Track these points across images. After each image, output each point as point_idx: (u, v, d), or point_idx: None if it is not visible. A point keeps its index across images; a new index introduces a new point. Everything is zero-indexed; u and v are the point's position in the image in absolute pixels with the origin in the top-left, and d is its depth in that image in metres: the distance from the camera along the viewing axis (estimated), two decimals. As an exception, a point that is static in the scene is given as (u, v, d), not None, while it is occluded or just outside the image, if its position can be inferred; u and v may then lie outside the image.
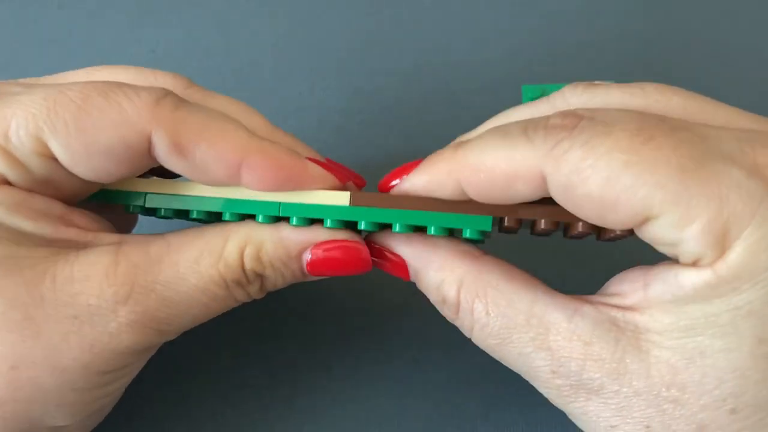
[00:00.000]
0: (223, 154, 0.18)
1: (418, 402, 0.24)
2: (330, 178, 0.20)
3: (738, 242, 0.15)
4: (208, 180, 0.19)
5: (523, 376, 0.19)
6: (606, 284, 0.19)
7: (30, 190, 0.18)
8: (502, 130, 0.18)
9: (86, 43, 0.34)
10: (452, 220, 0.19)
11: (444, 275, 0.19)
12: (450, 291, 0.19)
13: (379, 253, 0.20)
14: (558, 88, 0.31)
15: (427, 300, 0.27)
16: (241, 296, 0.20)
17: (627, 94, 0.18)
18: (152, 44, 0.34)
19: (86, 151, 0.18)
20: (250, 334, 0.26)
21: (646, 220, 0.16)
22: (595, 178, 0.16)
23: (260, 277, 0.20)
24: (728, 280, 0.15)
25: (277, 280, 0.20)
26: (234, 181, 0.19)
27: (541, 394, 0.24)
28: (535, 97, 0.31)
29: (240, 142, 0.18)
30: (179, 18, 0.35)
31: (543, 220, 0.19)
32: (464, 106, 0.32)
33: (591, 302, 0.18)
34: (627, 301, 0.17)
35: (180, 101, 0.18)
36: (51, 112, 0.17)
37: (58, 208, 0.19)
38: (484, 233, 0.19)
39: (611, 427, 0.17)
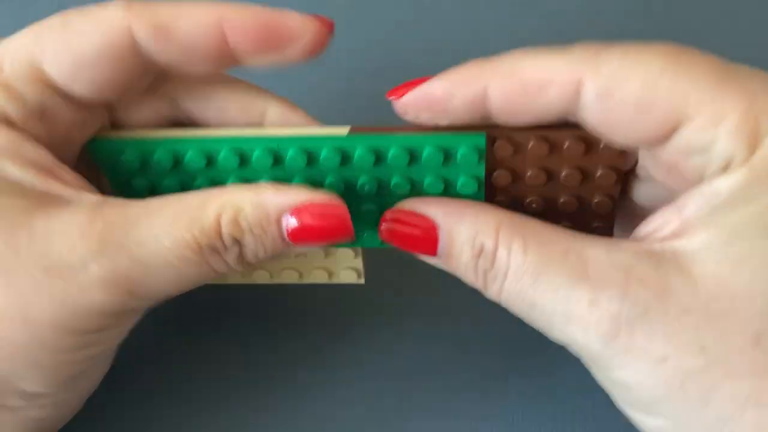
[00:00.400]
0: (204, 20, 0.19)
1: (417, 400, 0.24)
2: (312, 23, 0.19)
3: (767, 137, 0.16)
4: (199, 60, 0.19)
5: (553, 328, 0.18)
6: (634, 232, 0.19)
7: (25, 129, 0.19)
8: (535, 49, 0.18)
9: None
10: (447, 139, 0.19)
11: (479, 226, 0.18)
12: (488, 238, 0.18)
13: (404, 226, 0.20)
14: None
15: (427, 298, 0.27)
16: (218, 264, 0.19)
17: (655, 57, 0.19)
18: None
19: (76, 62, 0.18)
20: (249, 332, 0.26)
21: (677, 126, 0.17)
22: (633, 81, 0.17)
23: (238, 243, 0.19)
24: (762, 175, 0.16)
25: (257, 249, 0.19)
26: (223, 49, 0.19)
27: (542, 396, 0.24)
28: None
29: (214, 7, 0.19)
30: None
31: (530, 172, 0.19)
32: (464, 106, 0.32)
33: (628, 240, 0.18)
34: (663, 233, 0.17)
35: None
36: (38, 36, 0.19)
37: (47, 159, 0.19)
38: (479, 153, 0.19)
39: (661, 359, 0.16)
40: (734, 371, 0.15)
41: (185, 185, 0.21)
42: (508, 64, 0.18)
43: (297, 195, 0.19)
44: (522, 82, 0.17)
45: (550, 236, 0.18)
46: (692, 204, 0.17)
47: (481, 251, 0.18)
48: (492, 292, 0.19)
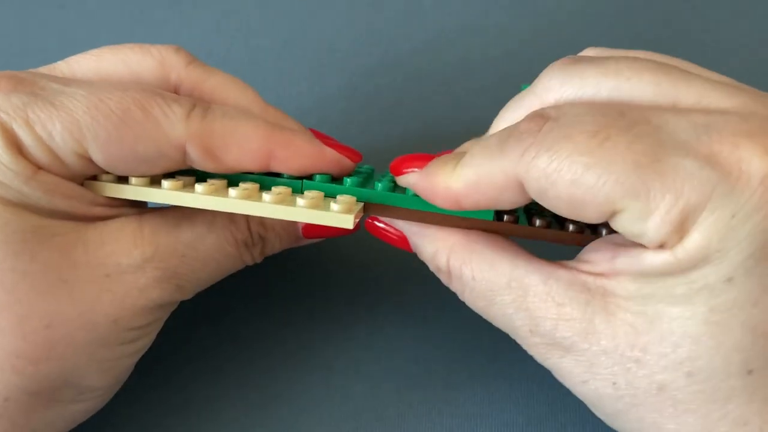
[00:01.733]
0: (252, 153, 0.21)
1: (418, 399, 0.24)
2: (344, 161, 0.22)
3: (694, 228, 0.16)
4: (239, 172, 0.21)
5: (509, 334, 0.20)
6: (581, 252, 0.20)
7: (63, 175, 0.20)
8: (483, 145, 0.19)
9: (86, 43, 0.34)
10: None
11: (437, 246, 0.21)
12: (441, 260, 0.21)
13: (383, 229, 0.23)
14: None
15: (426, 298, 0.27)
16: (246, 256, 0.23)
17: (601, 75, 0.19)
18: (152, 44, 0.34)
19: (124, 158, 0.20)
20: (251, 332, 0.26)
21: (613, 214, 0.17)
22: (562, 181, 0.17)
23: (262, 239, 0.22)
24: (685, 260, 0.17)
25: (275, 244, 0.23)
26: (264, 170, 0.21)
27: (541, 391, 0.24)
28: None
29: (264, 138, 0.21)
30: (179, 18, 0.35)
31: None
32: (464, 106, 0.32)
33: (566, 267, 0.19)
34: (597, 269, 0.19)
35: (205, 110, 0.20)
36: (94, 122, 0.19)
37: (84, 191, 0.20)
38: None
39: (583, 382, 0.19)
40: (640, 404, 0.18)
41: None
42: (465, 177, 0.19)
43: None
44: (482, 194, 0.19)
45: (494, 262, 0.20)
46: (624, 260, 0.18)
47: (439, 269, 0.21)
48: (459, 296, 0.21)
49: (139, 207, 0.22)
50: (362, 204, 0.21)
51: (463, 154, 0.20)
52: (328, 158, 0.22)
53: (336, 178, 0.22)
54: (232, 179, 0.21)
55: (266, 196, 0.20)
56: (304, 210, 0.20)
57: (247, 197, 0.20)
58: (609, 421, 0.19)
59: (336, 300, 0.27)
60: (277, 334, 0.26)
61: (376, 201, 0.21)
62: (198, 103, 0.20)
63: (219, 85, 0.23)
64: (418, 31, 0.35)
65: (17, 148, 0.19)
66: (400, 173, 0.21)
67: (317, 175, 0.22)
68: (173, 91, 0.22)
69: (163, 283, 0.21)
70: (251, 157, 0.20)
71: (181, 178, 0.21)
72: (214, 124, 0.20)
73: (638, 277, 0.18)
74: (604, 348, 0.18)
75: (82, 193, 0.20)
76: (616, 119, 0.17)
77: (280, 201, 0.20)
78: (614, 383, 0.18)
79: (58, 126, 0.19)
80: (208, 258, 0.21)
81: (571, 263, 0.20)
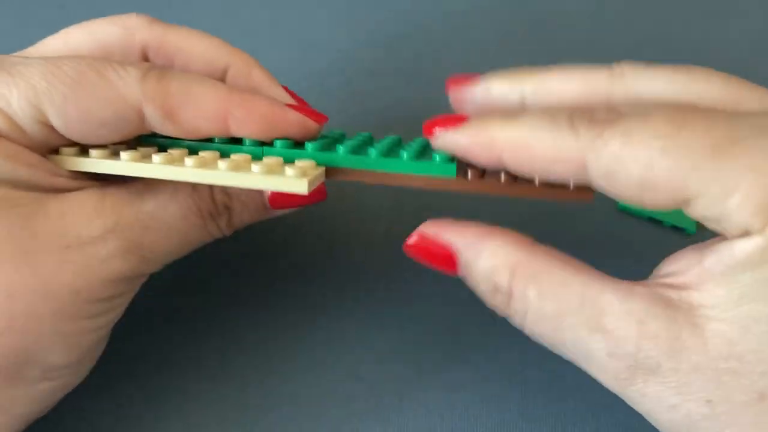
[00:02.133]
0: (210, 113, 0.20)
1: (413, 397, 0.24)
2: (308, 122, 0.22)
3: None
4: (200, 136, 0.21)
5: (578, 364, 0.19)
6: (657, 267, 0.19)
7: (24, 144, 0.20)
8: (551, 115, 0.18)
9: (86, 43, 0.34)
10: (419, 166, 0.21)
11: (496, 262, 0.19)
12: (502, 278, 0.19)
13: (427, 247, 0.20)
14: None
15: (423, 304, 0.27)
16: (212, 228, 0.22)
17: (672, 72, 0.20)
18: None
19: (82, 121, 0.20)
20: (247, 327, 0.26)
21: (686, 201, 0.17)
22: (635, 164, 0.17)
23: (228, 210, 0.22)
24: None
25: (242, 214, 0.23)
26: (224, 133, 0.21)
27: (540, 391, 0.24)
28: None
29: (222, 98, 0.20)
30: (179, 18, 0.35)
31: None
32: (464, 105, 0.32)
33: (643, 284, 0.18)
34: (681, 279, 0.18)
35: (162, 72, 0.20)
36: (50, 85, 0.19)
37: (45, 161, 0.21)
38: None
39: (672, 407, 0.17)
40: (737, 422, 0.17)
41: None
42: (523, 135, 0.18)
43: None
44: (532, 157, 0.18)
45: (565, 281, 0.18)
46: (712, 258, 0.17)
47: (497, 288, 0.19)
48: (513, 322, 0.19)
49: (103, 179, 0.22)
50: (323, 168, 0.21)
51: (516, 115, 0.19)
52: (290, 120, 0.21)
53: (300, 144, 0.22)
54: (194, 148, 0.21)
55: (221, 163, 0.20)
56: (258, 176, 0.20)
57: (203, 165, 0.20)
58: None
59: (324, 289, 0.27)
60: (276, 329, 0.26)
61: (338, 164, 0.21)
62: (155, 66, 0.21)
63: (183, 38, 0.23)
64: (418, 31, 0.35)
65: None
66: (435, 134, 0.20)
67: (278, 141, 0.21)
68: (141, 53, 0.23)
69: (127, 254, 0.20)
70: (208, 117, 0.20)
71: (141, 149, 0.21)
72: (171, 84, 0.20)
73: (728, 276, 0.17)
74: (695, 364, 0.17)
75: (43, 162, 0.20)
76: (691, 109, 0.17)
77: (235, 168, 0.20)
78: (708, 401, 0.17)
79: (15, 93, 0.19)
80: (171, 228, 0.21)
81: (647, 281, 0.19)
